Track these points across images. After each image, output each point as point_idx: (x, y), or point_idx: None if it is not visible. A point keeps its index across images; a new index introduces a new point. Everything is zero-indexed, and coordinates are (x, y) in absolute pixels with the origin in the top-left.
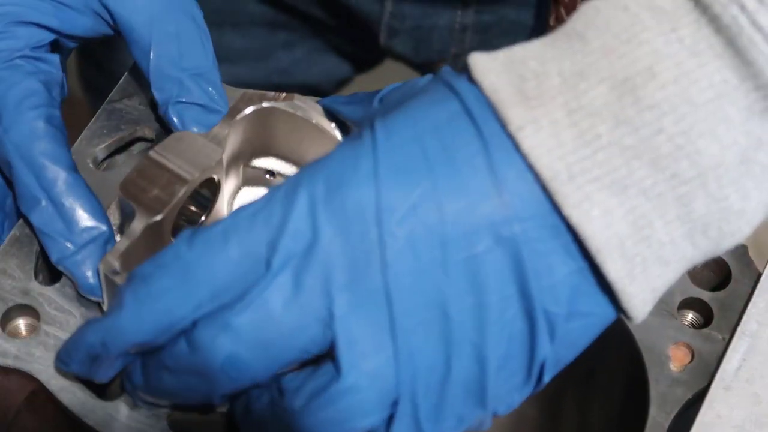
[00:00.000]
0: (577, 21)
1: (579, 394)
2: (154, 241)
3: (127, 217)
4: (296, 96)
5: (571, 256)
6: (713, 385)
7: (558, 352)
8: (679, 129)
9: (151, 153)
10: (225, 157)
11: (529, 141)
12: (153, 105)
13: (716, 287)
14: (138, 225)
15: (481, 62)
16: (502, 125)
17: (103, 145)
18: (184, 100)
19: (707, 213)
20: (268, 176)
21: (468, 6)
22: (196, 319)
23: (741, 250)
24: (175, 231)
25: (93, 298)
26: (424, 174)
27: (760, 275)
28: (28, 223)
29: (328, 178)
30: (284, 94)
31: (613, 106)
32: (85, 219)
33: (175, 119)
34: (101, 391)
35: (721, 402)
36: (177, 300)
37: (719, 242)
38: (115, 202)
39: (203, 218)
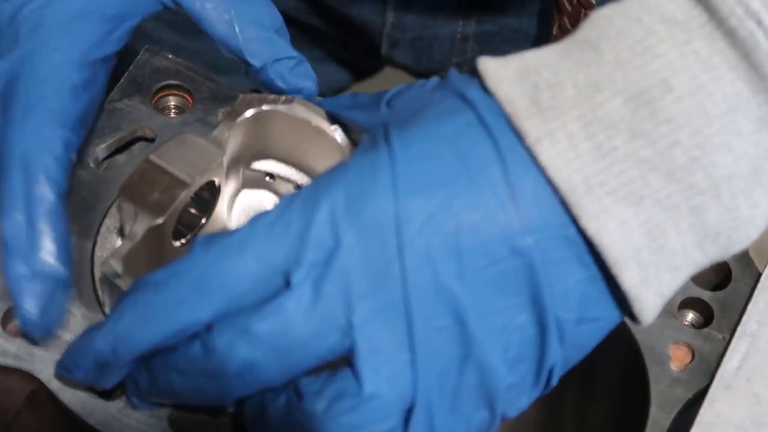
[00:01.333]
0: (589, 31)
1: (579, 394)
2: (154, 244)
3: (127, 220)
4: (296, 99)
5: (583, 265)
6: (713, 385)
7: (566, 355)
8: (695, 142)
9: (152, 157)
10: (225, 160)
11: (547, 154)
12: (153, 105)
13: (717, 287)
14: (139, 228)
15: (493, 70)
16: (518, 137)
17: (104, 145)
18: (279, 57)
19: (719, 222)
20: (267, 179)
21: (469, 16)
22: (211, 323)
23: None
24: (176, 233)
25: (27, 335)
26: (441, 186)
27: (760, 275)
28: None
29: (347, 189)
30: (284, 97)
31: (629, 119)
32: (52, 252)
33: (278, 81)
34: (101, 390)
35: (722, 401)
36: (192, 308)
37: (727, 248)
38: (115, 205)
39: (203, 221)
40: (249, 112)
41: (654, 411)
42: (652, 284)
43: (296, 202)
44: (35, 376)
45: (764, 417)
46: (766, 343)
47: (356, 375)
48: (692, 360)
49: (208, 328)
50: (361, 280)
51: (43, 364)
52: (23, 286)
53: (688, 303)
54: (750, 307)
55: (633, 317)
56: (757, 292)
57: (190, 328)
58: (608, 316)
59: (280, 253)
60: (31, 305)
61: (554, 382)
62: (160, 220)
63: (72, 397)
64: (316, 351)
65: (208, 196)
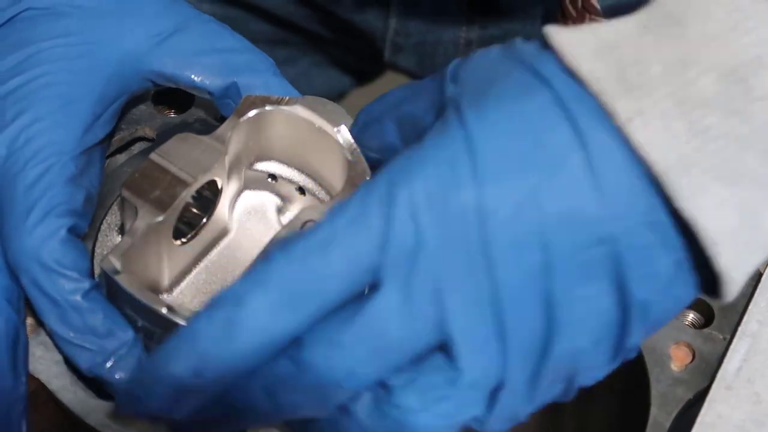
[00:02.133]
0: (669, 4)
1: (579, 394)
2: (154, 242)
3: (128, 218)
4: (299, 100)
5: (668, 248)
6: (714, 385)
7: (648, 332)
8: None
9: (154, 155)
10: (227, 160)
11: (640, 133)
12: (154, 104)
13: None
14: (140, 226)
15: (569, 45)
16: (602, 117)
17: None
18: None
19: None
20: (270, 179)
21: (473, 21)
22: (300, 335)
23: None
24: (176, 232)
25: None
26: (524, 175)
27: (761, 275)
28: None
29: (426, 181)
30: (287, 98)
31: (722, 97)
32: (109, 326)
33: None
34: (101, 391)
35: (722, 401)
36: (283, 320)
37: None
38: (116, 202)
39: (204, 220)
40: (252, 113)
41: (655, 411)
42: (743, 265)
43: (374, 195)
44: (35, 376)
45: (765, 417)
46: (766, 343)
47: (454, 366)
48: (693, 360)
49: (296, 340)
50: (450, 274)
51: (43, 364)
52: (109, 369)
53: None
54: (751, 307)
55: (716, 294)
56: (757, 292)
57: (282, 341)
58: (688, 294)
59: (365, 251)
60: (122, 383)
61: (632, 355)
62: (160, 218)
63: (72, 397)
64: (411, 349)
65: (209, 196)
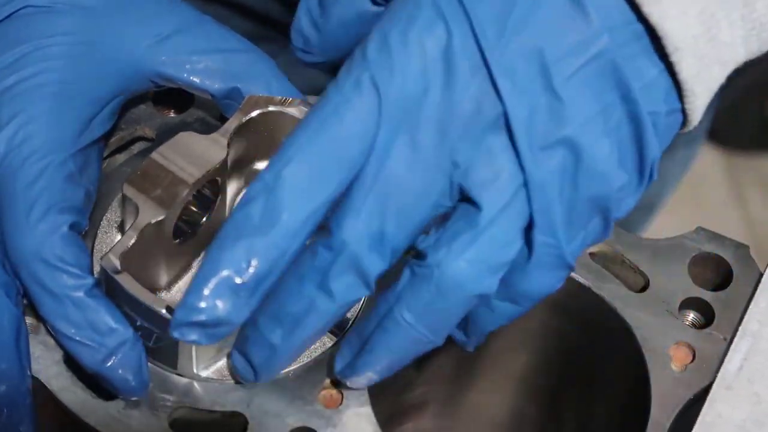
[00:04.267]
0: None
1: (579, 394)
2: (154, 240)
3: (128, 216)
4: (301, 101)
5: (653, 58)
6: (714, 385)
7: (660, 147)
8: None
9: (155, 154)
10: (228, 160)
11: None
12: (154, 104)
13: (717, 287)
14: (140, 224)
15: None
16: None
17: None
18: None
19: (765, 14)
20: None
21: None
22: (330, 208)
23: (743, 250)
24: (176, 231)
25: (134, 399)
26: (513, 9)
27: (761, 275)
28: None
29: (414, 24)
30: (290, 99)
31: None
32: (111, 323)
33: None
34: (101, 391)
35: (723, 402)
36: (315, 186)
37: (764, 45)
38: (117, 201)
39: (205, 219)
40: (255, 113)
41: (655, 411)
42: (704, 78)
43: (370, 51)
44: (35, 376)
45: (765, 417)
46: (766, 344)
47: (475, 207)
48: (693, 360)
49: (322, 227)
50: (455, 120)
51: (43, 364)
52: (111, 366)
53: (689, 303)
54: (751, 307)
55: (684, 120)
56: (758, 292)
57: (320, 213)
58: (679, 111)
59: (374, 105)
60: (129, 378)
61: (655, 176)
62: (161, 217)
63: (72, 397)
64: (430, 200)
65: (210, 195)
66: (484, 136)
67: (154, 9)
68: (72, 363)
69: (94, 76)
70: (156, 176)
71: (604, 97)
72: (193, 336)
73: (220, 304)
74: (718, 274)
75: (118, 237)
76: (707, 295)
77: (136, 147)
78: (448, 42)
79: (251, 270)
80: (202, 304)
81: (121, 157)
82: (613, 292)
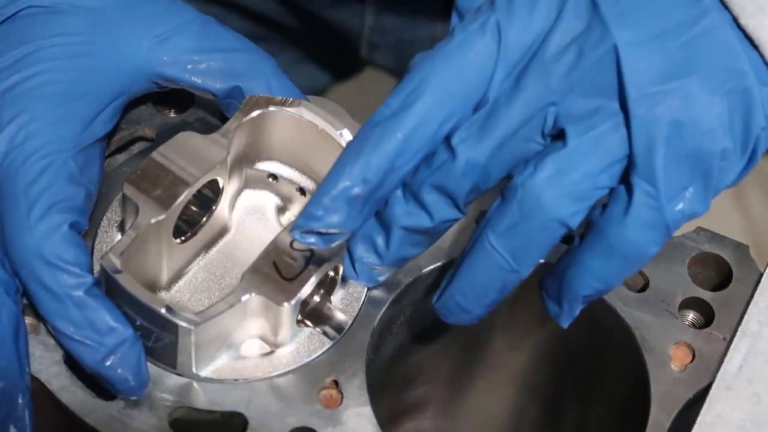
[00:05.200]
0: None
1: (579, 394)
2: (154, 240)
3: (129, 215)
4: (302, 102)
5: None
6: (714, 385)
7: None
8: None
9: (155, 154)
10: (229, 159)
11: None
12: (154, 104)
13: (717, 287)
14: (140, 224)
15: None
16: None
17: None
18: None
19: None
20: (270, 179)
21: (449, 17)
22: (447, 133)
23: (742, 250)
24: (176, 230)
25: (134, 398)
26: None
27: (761, 275)
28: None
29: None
30: (291, 99)
31: None
32: (111, 322)
33: None
34: (101, 391)
35: (722, 402)
36: (433, 112)
37: None
38: (117, 201)
39: (205, 219)
40: (255, 113)
41: (655, 411)
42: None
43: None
44: (35, 376)
45: (765, 417)
46: (766, 344)
47: (562, 140)
48: (693, 360)
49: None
50: (563, 58)
51: (43, 364)
52: (111, 365)
53: (688, 303)
54: (751, 307)
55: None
56: (757, 292)
57: (435, 136)
58: None
59: (494, 47)
60: (129, 378)
61: (758, 157)
62: (161, 217)
63: (71, 397)
64: (526, 133)
65: (210, 195)
66: (588, 77)
67: (155, 10)
68: (72, 363)
69: (95, 76)
70: (156, 176)
71: (732, 63)
72: (311, 239)
73: (336, 213)
74: (718, 274)
75: (119, 237)
76: (707, 295)
77: (136, 147)
78: None
79: (365, 183)
80: (320, 213)
81: (121, 157)
82: (613, 292)
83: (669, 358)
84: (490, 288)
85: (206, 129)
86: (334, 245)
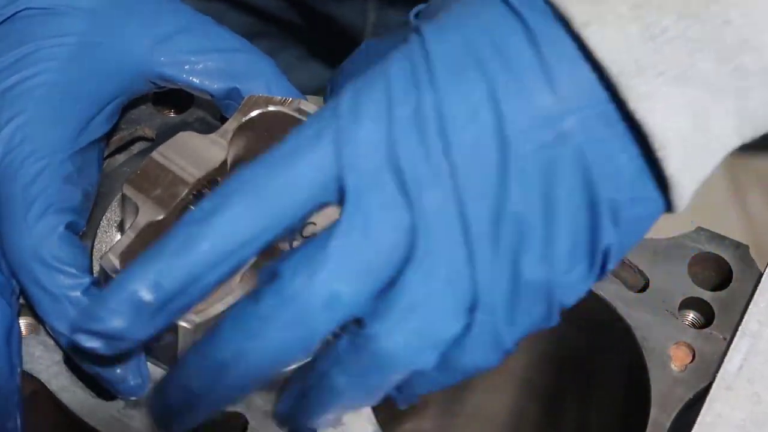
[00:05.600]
0: None
1: (579, 394)
2: (154, 239)
3: (128, 216)
4: (302, 101)
5: (627, 143)
6: (714, 385)
7: (622, 241)
8: (745, 21)
9: (155, 154)
10: (229, 160)
11: (595, 37)
12: (154, 104)
13: (717, 287)
14: (140, 224)
15: None
16: (557, 22)
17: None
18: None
19: (762, 106)
20: None
21: None
22: (260, 250)
23: (742, 250)
24: None
25: (134, 398)
26: (480, 77)
27: (761, 275)
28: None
29: (387, 88)
30: (290, 99)
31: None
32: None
33: None
34: (101, 391)
35: (722, 402)
36: (242, 221)
37: (760, 131)
38: (117, 201)
39: None
40: (254, 113)
41: (654, 411)
42: (692, 170)
43: (341, 106)
44: (36, 376)
45: (765, 417)
46: (766, 344)
47: (414, 276)
48: (693, 360)
49: (272, 274)
50: (415, 182)
51: (43, 364)
52: (113, 367)
53: (688, 303)
54: (751, 307)
55: (669, 206)
56: (757, 292)
57: (244, 243)
58: (656, 198)
59: (331, 156)
60: (129, 378)
61: (610, 267)
62: (161, 216)
63: (72, 397)
64: (393, 260)
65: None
66: (438, 203)
67: (153, 10)
68: (72, 363)
69: (93, 77)
70: (156, 176)
71: (564, 182)
72: (91, 343)
73: (120, 317)
74: (718, 274)
75: (118, 237)
76: (707, 295)
77: (136, 147)
78: (417, 106)
79: (158, 290)
80: (102, 314)
81: (121, 157)
82: (613, 292)
83: (669, 358)
84: (340, 414)
85: (206, 129)
86: (120, 351)
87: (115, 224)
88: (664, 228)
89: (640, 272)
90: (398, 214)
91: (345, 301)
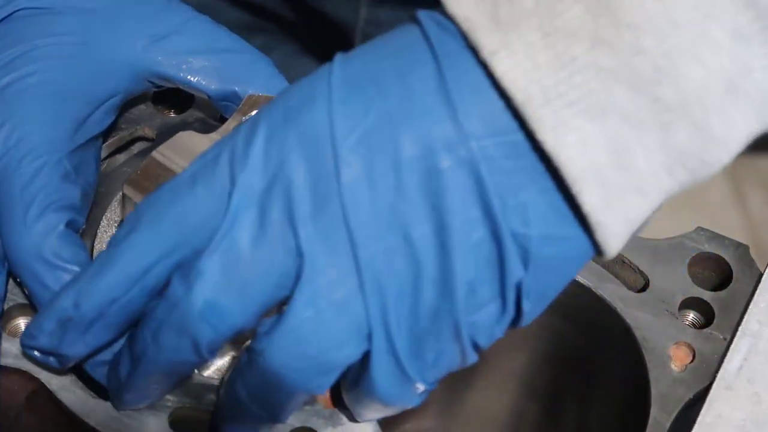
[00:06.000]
0: None
1: (579, 394)
2: None
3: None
4: None
5: (538, 178)
6: (714, 385)
7: (539, 280)
8: (660, 50)
9: (155, 153)
10: None
11: (503, 65)
12: (154, 104)
13: (717, 287)
14: None
15: None
16: (466, 50)
17: (104, 145)
18: None
19: (688, 141)
20: None
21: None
22: (170, 271)
23: (742, 250)
24: None
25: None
26: (377, 98)
27: (761, 275)
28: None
29: (285, 109)
30: None
31: (589, 27)
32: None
33: None
34: (101, 390)
35: (723, 402)
36: (146, 246)
37: (697, 173)
38: (117, 200)
39: None
40: (254, 112)
41: (655, 411)
42: (617, 208)
43: (242, 128)
44: (35, 376)
45: (765, 417)
46: (766, 344)
47: (302, 300)
48: (693, 360)
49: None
50: (303, 201)
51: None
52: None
53: (688, 303)
54: (751, 307)
55: (597, 248)
56: (758, 292)
57: (146, 268)
58: (577, 238)
59: (227, 180)
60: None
61: (526, 309)
62: None
63: (72, 397)
64: (272, 279)
65: None
66: (327, 224)
67: (151, 9)
68: None
69: (89, 75)
70: (156, 176)
71: (464, 212)
72: (44, 359)
73: (50, 336)
74: (718, 274)
75: None
76: (707, 295)
77: (136, 147)
78: (306, 129)
79: (77, 309)
80: (36, 332)
81: (121, 157)
82: (613, 292)
83: (669, 358)
84: (257, 425)
85: (206, 129)
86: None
87: (115, 224)
88: (664, 228)
89: (640, 272)
90: (281, 235)
91: (225, 313)
